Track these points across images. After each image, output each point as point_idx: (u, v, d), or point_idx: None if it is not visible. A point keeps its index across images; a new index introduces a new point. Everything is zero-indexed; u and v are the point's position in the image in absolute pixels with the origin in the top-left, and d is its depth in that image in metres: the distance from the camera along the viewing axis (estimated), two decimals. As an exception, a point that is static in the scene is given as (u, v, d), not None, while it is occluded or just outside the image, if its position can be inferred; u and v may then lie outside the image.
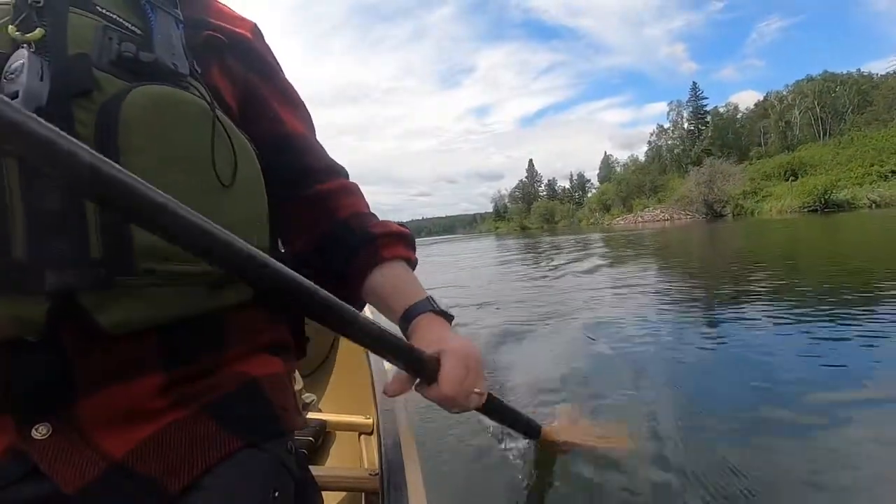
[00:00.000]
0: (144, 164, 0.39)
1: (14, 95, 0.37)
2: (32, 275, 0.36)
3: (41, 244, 0.36)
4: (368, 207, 0.68)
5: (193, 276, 0.43)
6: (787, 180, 44.18)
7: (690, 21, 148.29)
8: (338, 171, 0.66)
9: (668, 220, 47.83)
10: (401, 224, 0.66)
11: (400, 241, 0.64)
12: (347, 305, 0.47)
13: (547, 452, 1.39)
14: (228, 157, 0.46)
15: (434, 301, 0.62)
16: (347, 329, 0.48)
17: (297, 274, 0.42)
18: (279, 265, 0.41)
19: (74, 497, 0.38)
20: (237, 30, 0.58)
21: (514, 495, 1.34)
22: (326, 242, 0.63)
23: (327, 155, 0.67)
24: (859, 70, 60.43)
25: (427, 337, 0.58)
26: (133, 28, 0.45)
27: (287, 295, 0.42)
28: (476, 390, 0.58)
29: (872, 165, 39.28)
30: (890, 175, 36.89)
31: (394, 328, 0.60)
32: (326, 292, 0.45)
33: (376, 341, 0.51)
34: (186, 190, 0.41)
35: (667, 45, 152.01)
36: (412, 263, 0.66)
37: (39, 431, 0.39)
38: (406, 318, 0.60)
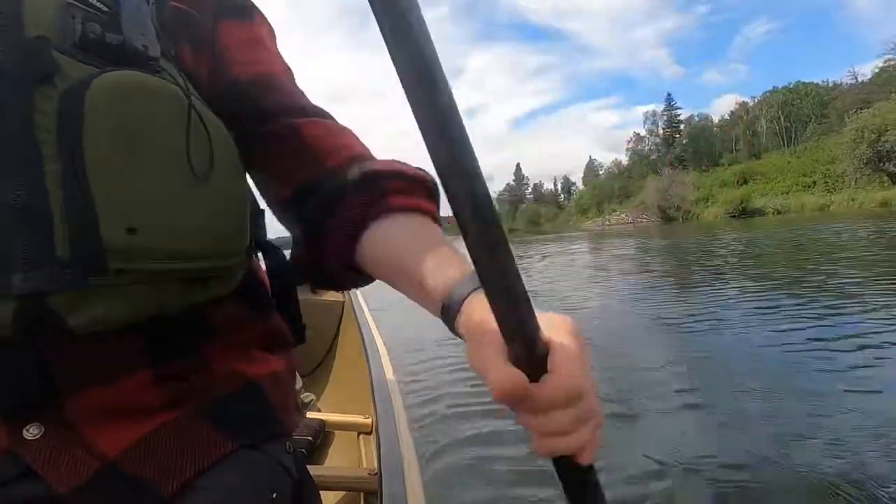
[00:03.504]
0: (113, 159, 0.36)
1: None
2: None
3: (5, 243, 0.34)
4: (369, 152, 0.51)
5: (166, 273, 0.40)
6: (740, 188, 47.73)
7: (677, 24, 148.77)
8: (323, 114, 0.53)
9: (630, 223, 52.44)
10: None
11: (420, 187, 0.47)
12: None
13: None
14: (204, 146, 0.42)
15: None
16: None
17: None
18: None
19: (68, 497, 0.37)
20: None
21: (511, 493, 1.44)
22: (308, 188, 0.49)
23: (310, 101, 0.54)
24: (826, 80, 63.46)
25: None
26: (99, 5, 0.40)
27: None
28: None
29: (803, 175, 42.57)
30: (812, 185, 40.23)
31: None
32: None
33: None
34: (159, 184, 0.39)
35: (652, 49, 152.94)
36: (437, 222, 0.48)
37: (31, 432, 0.38)
38: (455, 300, 0.37)
